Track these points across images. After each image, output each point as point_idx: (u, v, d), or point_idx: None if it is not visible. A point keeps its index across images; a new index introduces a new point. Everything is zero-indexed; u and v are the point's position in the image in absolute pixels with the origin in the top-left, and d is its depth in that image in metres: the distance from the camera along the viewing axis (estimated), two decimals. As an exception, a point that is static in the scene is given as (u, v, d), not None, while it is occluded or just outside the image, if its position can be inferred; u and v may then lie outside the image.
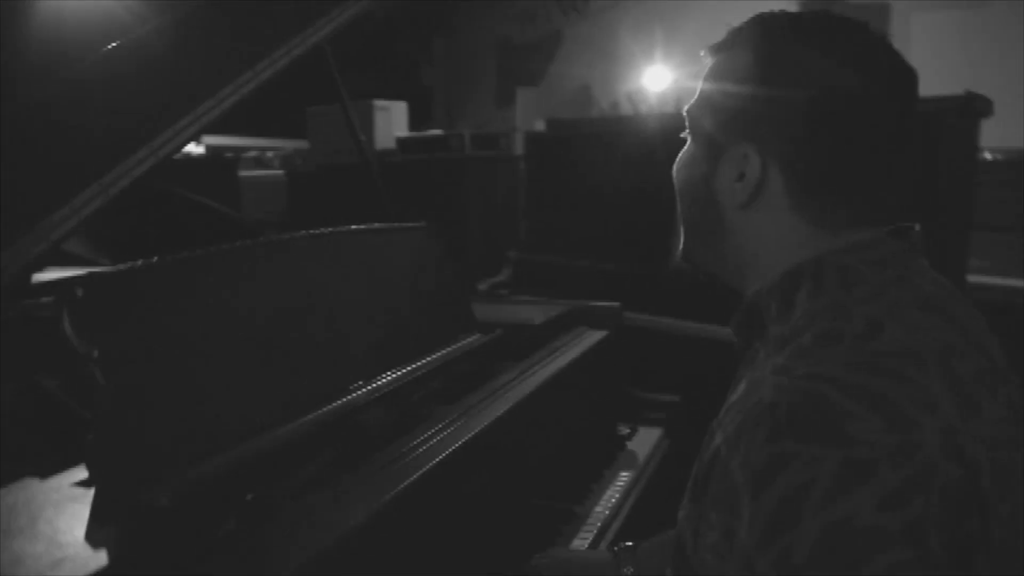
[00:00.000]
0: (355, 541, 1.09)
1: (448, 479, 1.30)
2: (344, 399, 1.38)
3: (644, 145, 2.78)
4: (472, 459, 1.37)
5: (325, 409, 1.33)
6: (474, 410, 1.50)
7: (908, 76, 0.89)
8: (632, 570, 1.31)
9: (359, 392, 1.41)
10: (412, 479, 1.21)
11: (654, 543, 1.35)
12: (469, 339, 1.79)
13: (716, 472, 0.77)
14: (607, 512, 1.61)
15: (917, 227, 0.93)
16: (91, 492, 0.98)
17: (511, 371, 1.75)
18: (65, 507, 1.11)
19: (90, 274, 1.10)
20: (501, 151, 3.72)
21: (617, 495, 1.69)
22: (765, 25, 0.92)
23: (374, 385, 1.45)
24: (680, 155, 1.02)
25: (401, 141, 3.86)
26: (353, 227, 1.60)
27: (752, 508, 0.71)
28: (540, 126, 3.61)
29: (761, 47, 0.90)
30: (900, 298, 0.83)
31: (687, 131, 1.00)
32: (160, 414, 1.09)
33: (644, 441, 1.95)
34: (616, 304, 2.16)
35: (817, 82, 0.85)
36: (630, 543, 1.35)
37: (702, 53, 0.97)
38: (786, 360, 0.79)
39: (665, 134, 2.78)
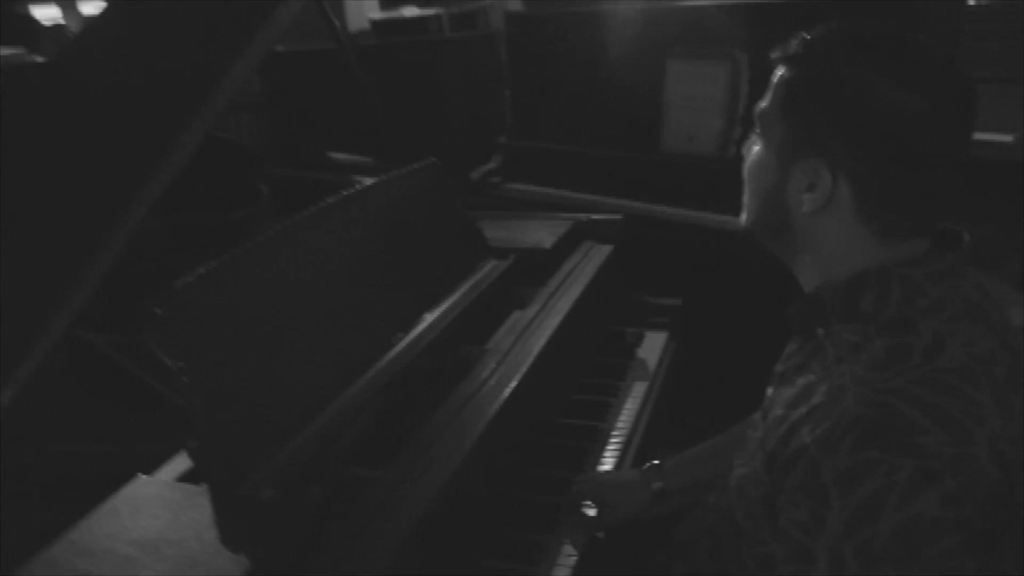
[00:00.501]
0: (450, 489, 1.22)
1: (508, 420, 1.41)
2: (391, 354, 1.47)
3: (631, 26, 2.76)
4: (521, 400, 1.47)
5: (377, 368, 1.42)
6: (512, 351, 1.59)
7: (969, 97, 0.94)
8: (660, 485, 1.45)
9: (402, 344, 1.50)
10: (484, 426, 1.34)
11: (680, 460, 1.48)
12: (486, 267, 1.88)
13: (803, 464, 0.88)
14: (628, 426, 1.71)
15: (966, 236, 1.01)
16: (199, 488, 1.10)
17: (534, 302, 1.82)
18: (185, 506, 1.22)
19: (163, 293, 1.19)
20: (481, 29, 3.65)
21: (635, 407, 1.79)
22: (837, 43, 0.95)
23: (414, 334, 1.54)
24: (752, 154, 1.06)
25: (375, 24, 3.76)
26: (369, 182, 1.64)
27: (840, 503, 0.84)
28: (516, 4, 3.53)
29: (834, 67, 0.94)
30: (955, 310, 0.94)
31: (758, 131, 1.05)
32: (247, 404, 1.19)
33: (652, 347, 2.03)
34: (619, 217, 2.20)
35: (887, 106, 0.90)
36: (656, 461, 1.48)
37: (773, 56, 1.01)
38: (865, 371, 0.89)
39: (649, 16, 2.77)
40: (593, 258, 2.05)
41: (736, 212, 1.12)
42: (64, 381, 1.53)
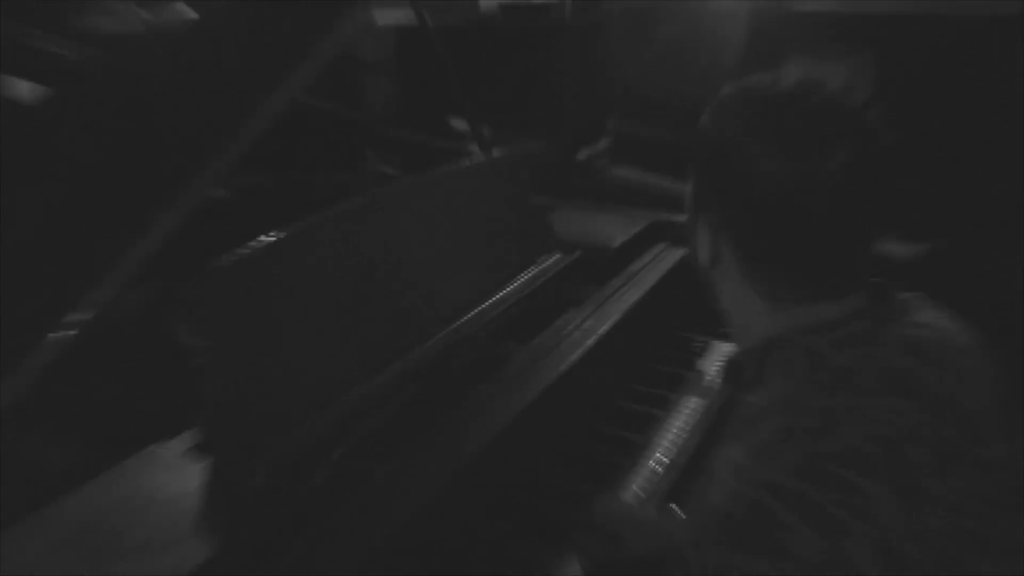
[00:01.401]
0: (449, 490, 1.21)
1: (531, 424, 1.38)
2: (423, 347, 1.44)
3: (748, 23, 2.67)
4: (550, 403, 1.43)
5: (405, 361, 1.40)
6: (553, 353, 1.55)
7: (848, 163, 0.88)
8: (676, 536, 1.33)
9: (438, 337, 1.47)
10: (500, 428, 1.31)
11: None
12: (549, 261, 1.83)
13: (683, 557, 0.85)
14: (671, 448, 1.60)
15: (897, 291, 0.94)
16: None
17: (588, 303, 1.77)
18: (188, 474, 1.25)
19: (199, 274, 1.20)
20: (603, 14, 3.59)
21: (684, 426, 1.68)
22: (728, 100, 0.95)
23: (453, 327, 1.51)
24: None
25: (503, 8, 3.81)
26: (454, 168, 1.62)
27: None
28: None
29: (712, 121, 0.95)
30: (862, 383, 0.86)
31: None
32: (263, 392, 1.19)
33: (716, 358, 1.92)
34: None
35: (752, 168, 0.88)
36: (674, 506, 1.38)
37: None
38: (747, 458, 0.84)
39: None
40: (662, 262, 1.99)
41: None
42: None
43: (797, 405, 0.86)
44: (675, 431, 1.66)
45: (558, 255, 1.85)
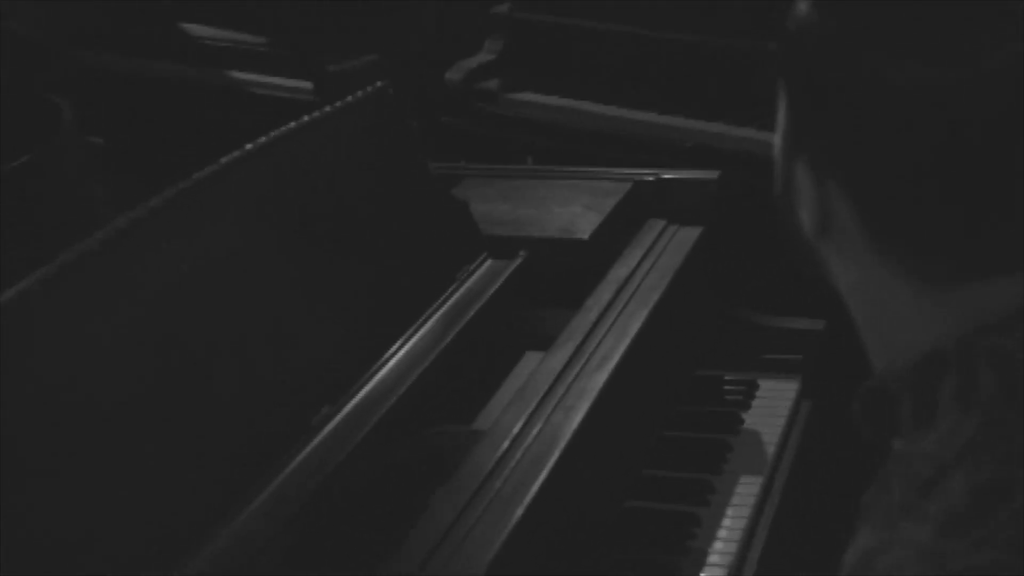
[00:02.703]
0: None
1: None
2: (305, 451, 1.11)
3: None
4: (537, 527, 1.10)
5: (274, 487, 1.05)
6: (523, 436, 1.16)
7: None
8: None
9: (327, 429, 1.14)
10: None
11: None
12: (474, 275, 1.39)
13: None
14: (728, 557, 1.25)
15: None
16: None
17: (560, 342, 1.31)
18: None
19: None
20: None
21: (740, 523, 1.28)
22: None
23: (347, 410, 1.17)
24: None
25: None
26: (261, 140, 1.21)
27: None
28: None
29: (824, 18, 0.74)
30: None
31: None
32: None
33: (771, 408, 1.46)
34: (713, 175, 1.53)
35: (900, 81, 0.70)
36: None
37: None
38: (934, 537, 0.65)
39: None
40: (667, 255, 1.47)
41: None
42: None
43: (995, 448, 0.68)
44: (724, 536, 1.31)
45: (489, 262, 1.42)
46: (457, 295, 1.34)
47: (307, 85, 2.36)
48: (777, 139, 0.82)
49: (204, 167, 1.15)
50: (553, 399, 1.19)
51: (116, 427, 0.98)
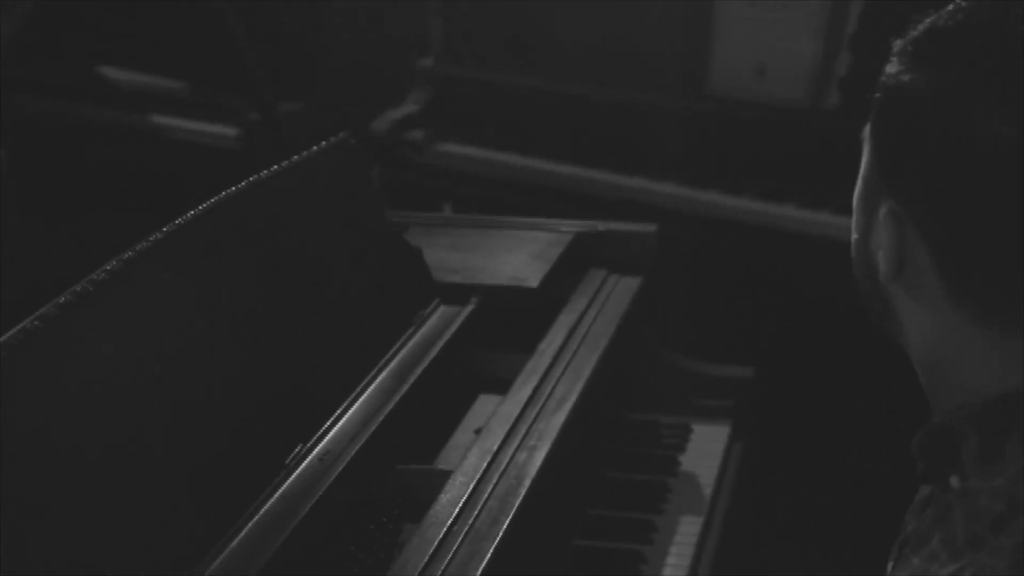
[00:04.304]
0: None
1: None
2: (279, 490, 1.11)
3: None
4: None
5: (250, 526, 1.05)
6: (487, 476, 1.17)
7: None
8: None
9: (299, 468, 1.15)
10: None
11: None
12: (428, 320, 1.40)
13: None
14: None
15: None
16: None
17: (517, 385, 1.31)
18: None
19: None
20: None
21: (684, 562, 1.31)
22: (943, 38, 0.78)
23: (318, 450, 1.17)
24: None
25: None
26: (225, 195, 1.18)
27: None
28: None
29: (922, 70, 0.78)
30: None
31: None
32: None
33: (705, 450, 1.51)
34: (651, 228, 1.57)
35: (984, 136, 0.73)
36: None
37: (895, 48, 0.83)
38: (1011, 567, 0.69)
39: None
40: (611, 302, 1.51)
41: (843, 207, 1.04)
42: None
43: None
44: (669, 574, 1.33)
45: (442, 308, 1.43)
46: (415, 339, 1.34)
47: (231, 131, 2.33)
48: (859, 185, 0.85)
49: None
50: (515, 439, 1.19)
51: (88, 473, 0.96)
